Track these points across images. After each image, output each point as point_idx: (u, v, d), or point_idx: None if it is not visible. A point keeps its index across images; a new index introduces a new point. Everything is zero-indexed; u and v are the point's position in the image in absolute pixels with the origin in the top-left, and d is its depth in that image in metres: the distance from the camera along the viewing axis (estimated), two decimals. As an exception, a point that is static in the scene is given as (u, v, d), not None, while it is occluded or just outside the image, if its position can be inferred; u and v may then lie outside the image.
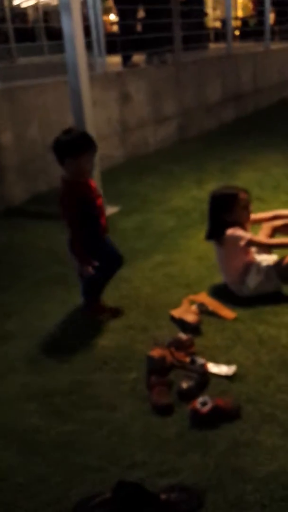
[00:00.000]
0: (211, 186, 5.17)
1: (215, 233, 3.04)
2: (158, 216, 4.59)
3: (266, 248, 3.18)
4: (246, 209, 3.00)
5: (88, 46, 6.01)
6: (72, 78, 4.37)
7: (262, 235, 3.16)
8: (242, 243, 2.93)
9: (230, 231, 2.93)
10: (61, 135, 2.61)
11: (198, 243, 3.86)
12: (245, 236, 2.94)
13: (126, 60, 6.88)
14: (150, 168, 6.08)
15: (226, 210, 2.96)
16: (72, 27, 4.15)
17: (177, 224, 4.37)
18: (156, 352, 2.43)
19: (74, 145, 2.56)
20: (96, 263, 2.72)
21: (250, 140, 7.08)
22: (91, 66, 6.22)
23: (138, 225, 4.39)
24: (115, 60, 7.54)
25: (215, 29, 13.86)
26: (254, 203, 4.50)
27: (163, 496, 1.78)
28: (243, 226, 3.02)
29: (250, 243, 2.97)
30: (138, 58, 7.46)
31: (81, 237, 2.69)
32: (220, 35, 12.16)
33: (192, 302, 2.98)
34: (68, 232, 2.74)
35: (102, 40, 6.17)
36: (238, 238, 2.93)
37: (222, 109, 8.39)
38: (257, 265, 3.01)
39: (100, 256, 2.77)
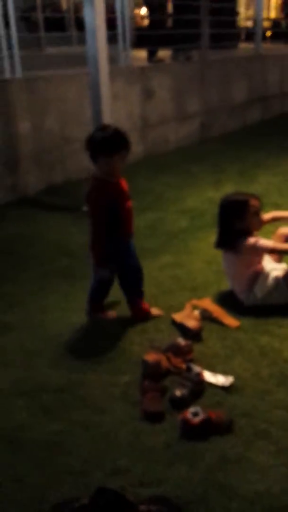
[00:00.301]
0: (229, 188, 5.09)
1: (226, 241, 2.94)
2: (171, 215, 4.51)
3: (277, 256, 3.10)
4: (257, 216, 2.91)
5: (114, 39, 5.97)
6: (93, 70, 4.33)
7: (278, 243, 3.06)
8: (265, 251, 2.87)
9: (252, 240, 2.83)
10: (96, 131, 2.51)
11: (209, 246, 3.76)
12: (268, 244, 2.86)
13: (151, 55, 6.79)
14: (168, 166, 6.00)
15: (236, 218, 2.86)
16: (95, 18, 4.11)
17: (190, 225, 4.28)
18: (151, 357, 2.36)
19: (109, 143, 2.42)
20: (113, 267, 2.63)
21: (273, 144, 6.92)
22: (115, 59, 6.18)
23: (150, 223, 4.32)
24: (143, 54, 7.45)
25: (247, 28, 13.59)
26: (270, 209, 4.44)
27: (142, 507, 1.72)
28: (253, 234, 2.92)
29: (274, 251, 2.91)
30: (164, 54, 7.38)
31: (103, 239, 2.58)
32: (252, 35, 11.95)
33: (195, 307, 2.90)
34: (90, 231, 2.62)
35: (128, 33, 6.08)
36: (260, 247, 2.84)
37: (247, 110, 8.24)
38: (266, 274, 2.91)
39: (120, 264, 2.68)
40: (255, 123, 8.39)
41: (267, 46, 11.42)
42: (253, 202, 2.87)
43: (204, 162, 6.08)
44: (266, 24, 15.70)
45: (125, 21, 6.04)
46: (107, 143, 2.43)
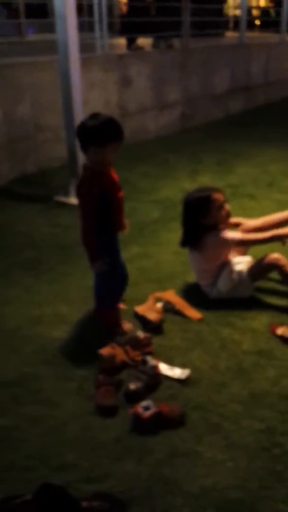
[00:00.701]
0: (205, 178, 5.04)
1: (192, 239, 2.87)
2: (145, 206, 4.44)
3: (242, 249, 3.06)
4: (222, 209, 2.84)
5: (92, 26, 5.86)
6: (62, 58, 4.22)
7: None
8: (234, 244, 2.81)
9: (222, 234, 2.79)
10: (88, 119, 2.34)
11: (178, 237, 3.72)
12: (237, 236, 2.81)
13: (130, 42, 6.68)
14: (147, 155, 5.91)
15: (201, 214, 2.80)
16: (64, 5, 4.00)
17: (162, 215, 4.22)
18: (105, 351, 2.31)
19: (101, 133, 2.25)
20: (107, 259, 2.50)
21: (255, 134, 6.86)
22: (92, 47, 6.07)
23: (123, 214, 4.25)
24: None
25: (236, 17, 13.45)
26: (245, 201, 4.43)
27: (84, 504, 1.67)
28: (223, 226, 2.87)
29: (243, 242, 2.85)
30: (146, 42, 7.27)
31: (95, 231, 2.44)
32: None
33: (158, 300, 2.85)
34: (82, 224, 2.47)
35: (105, 20, 5.96)
36: (231, 240, 2.79)
37: (230, 99, 8.15)
38: (231, 268, 2.87)
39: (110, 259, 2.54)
40: (238, 113, 8.31)
41: (255, 35, 11.32)
42: (216, 196, 2.80)
43: (182, 152, 6.00)
44: (255, 12, 15.57)
45: (101, 8, 5.92)
46: (99, 132, 2.26)
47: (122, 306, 2.80)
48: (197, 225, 2.82)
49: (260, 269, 2.84)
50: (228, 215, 2.91)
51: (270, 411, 2.05)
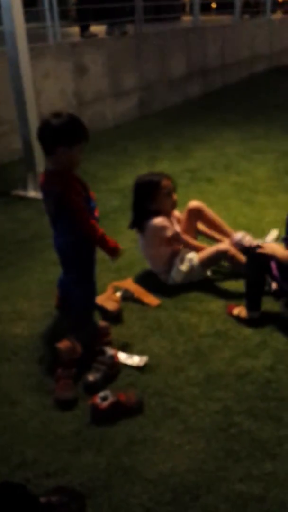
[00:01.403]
0: (164, 164, 5.02)
1: (138, 222, 2.88)
2: (104, 195, 4.39)
3: (193, 234, 3.07)
4: (169, 197, 2.84)
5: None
6: (10, 49, 4.12)
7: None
8: (167, 234, 2.80)
9: (157, 221, 2.78)
10: (51, 118, 2.16)
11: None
12: (170, 229, 2.80)
13: (83, 30, 6.56)
14: (105, 144, 5.85)
15: (148, 198, 2.80)
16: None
17: (121, 204, 4.19)
18: (63, 344, 2.28)
19: (70, 132, 2.12)
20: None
21: (212, 118, 6.88)
22: (43, 36, 5.94)
23: (82, 204, 4.20)
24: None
25: (191, 0, 13.37)
26: (203, 185, 4.44)
27: (42, 499, 1.66)
28: (167, 215, 2.87)
29: (174, 237, 2.83)
30: (100, 29, 7.15)
31: (94, 224, 2.26)
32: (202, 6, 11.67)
33: (116, 289, 2.83)
34: (83, 227, 2.23)
35: (55, 8, 5.84)
36: (162, 229, 2.79)
37: (187, 84, 8.13)
38: (181, 257, 2.88)
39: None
40: (196, 97, 8.31)
41: (212, 18, 11.30)
42: (165, 182, 2.80)
43: (141, 139, 5.97)
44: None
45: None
46: (68, 131, 2.12)
47: None
48: (143, 208, 2.82)
49: (210, 258, 2.85)
50: (174, 204, 2.90)
51: (226, 392, 2.07)
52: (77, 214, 2.20)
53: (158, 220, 2.79)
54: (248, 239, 3.02)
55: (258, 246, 2.42)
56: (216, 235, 3.10)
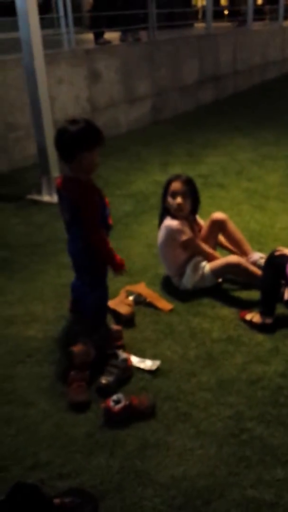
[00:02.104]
0: (176, 170, 5.04)
1: (160, 217, 2.93)
2: (117, 200, 4.43)
3: (212, 244, 3.06)
4: (173, 198, 2.83)
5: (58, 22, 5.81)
6: (26, 56, 4.19)
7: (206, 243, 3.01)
8: (181, 239, 2.80)
9: (173, 224, 2.80)
10: (68, 125, 2.19)
11: (151, 230, 3.74)
12: (184, 233, 2.80)
13: (97, 37, 6.63)
14: (118, 149, 5.90)
15: (164, 195, 2.85)
16: (25, 1, 3.96)
17: (134, 209, 4.23)
18: (77, 347, 2.31)
19: (89, 137, 2.15)
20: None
21: (224, 124, 6.91)
22: (59, 43, 6.02)
23: (95, 209, 4.24)
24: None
25: (204, 7, 13.43)
26: (215, 190, 4.46)
27: (56, 501, 1.69)
28: (174, 216, 2.86)
29: (188, 243, 2.83)
30: (113, 36, 7.22)
31: (106, 240, 2.30)
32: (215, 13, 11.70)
33: (129, 293, 2.86)
34: (92, 237, 2.26)
35: (70, 15, 5.91)
36: (176, 232, 2.79)
37: (199, 90, 8.17)
38: (194, 263, 2.89)
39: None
40: (208, 103, 8.34)
41: (224, 25, 11.33)
42: (174, 184, 2.81)
43: (153, 145, 6.01)
44: (223, 2, 15.59)
45: (66, 3, 5.87)
46: (85, 136, 2.16)
47: None
48: (163, 204, 2.89)
49: (222, 269, 2.85)
50: (180, 208, 2.84)
51: (238, 397, 2.09)
52: (89, 224, 2.23)
53: (174, 224, 2.80)
54: (264, 261, 2.97)
55: (276, 250, 2.44)
56: (234, 250, 3.06)
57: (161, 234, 2.88)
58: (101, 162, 5.61)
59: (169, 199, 2.82)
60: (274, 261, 2.48)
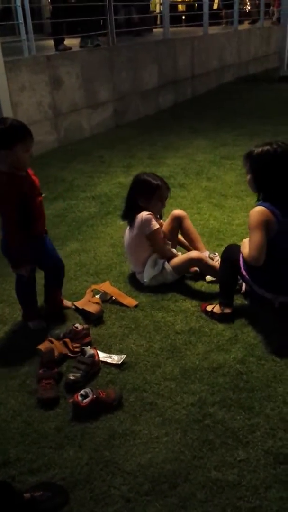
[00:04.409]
0: (138, 172, 5.12)
1: (128, 214, 3.01)
2: (81, 202, 4.49)
3: (174, 243, 3.19)
4: (161, 203, 3.00)
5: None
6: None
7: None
8: (152, 228, 2.90)
9: (145, 214, 2.89)
10: None
11: (115, 230, 3.82)
12: (154, 225, 2.90)
13: (58, 43, 6.67)
14: (82, 154, 5.96)
15: (143, 195, 2.93)
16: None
17: (99, 211, 4.29)
18: (43, 345, 2.35)
19: (8, 135, 2.31)
20: (32, 266, 2.55)
21: (183, 126, 7.06)
22: (19, 50, 6.03)
23: (60, 212, 4.29)
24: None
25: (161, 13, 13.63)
26: (176, 190, 4.56)
27: (26, 495, 1.72)
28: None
29: (153, 234, 2.92)
30: (74, 42, 7.29)
31: (17, 238, 2.45)
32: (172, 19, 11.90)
33: (95, 292, 2.92)
34: (2, 230, 2.48)
35: (29, 22, 5.94)
36: (148, 221, 2.88)
37: (160, 94, 8.31)
38: (153, 258, 2.98)
39: (40, 262, 2.61)
40: (168, 107, 8.49)
41: (182, 30, 11.53)
42: (163, 190, 2.95)
43: (116, 148, 6.09)
44: (181, 7, 15.85)
45: (25, 10, 5.90)
46: (6, 135, 2.32)
47: (68, 303, 2.87)
48: (135, 202, 2.96)
49: (184, 265, 2.96)
50: (161, 211, 3.09)
51: (201, 385, 2.17)
52: (4, 217, 2.42)
53: (146, 213, 2.90)
54: (216, 259, 3.08)
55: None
56: (190, 248, 3.19)
57: (135, 226, 2.94)
58: (65, 166, 5.64)
59: (156, 202, 2.94)
60: (228, 256, 2.59)
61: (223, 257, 2.64)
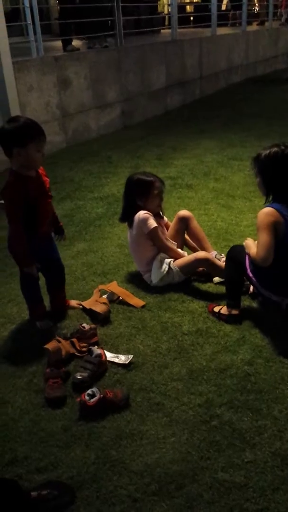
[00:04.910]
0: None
1: (127, 216, 3.02)
2: (89, 203, 4.50)
3: (179, 243, 3.17)
4: (158, 197, 3.00)
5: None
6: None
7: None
8: (149, 226, 2.90)
9: (142, 212, 2.91)
10: (6, 123, 2.37)
11: (122, 231, 3.82)
12: (152, 223, 2.90)
13: (66, 44, 6.69)
14: (90, 154, 5.97)
15: (139, 195, 2.95)
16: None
17: (106, 211, 4.30)
18: (51, 345, 2.36)
19: (21, 133, 2.31)
20: (38, 265, 2.56)
21: (191, 127, 7.06)
22: (28, 51, 6.06)
23: (68, 212, 4.30)
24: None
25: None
26: (183, 191, 4.57)
27: (33, 494, 1.73)
28: (153, 214, 3.00)
29: (152, 232, 2.92)
30: (82, 43, 7.31)
31: (23, 237, 2.44)
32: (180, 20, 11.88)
33: (102, 292, 2.92)
34: (9, 229, 2.47)
35: (38, 23, 5.96)
36: (145, 220, 2.90)
37: (167, 95, 8.31)
38: (159, 259, 2.98)
39: (44, 260, 2.62)
40: (176, 108, 8.49)
41: (191, 31, 11.53)
42: (157, 184, 2.96)
43: (124, 149, 6.10)
44: (189, 8, 15.87)
45: (34, 11, 5.92)
46: (19, 133, 2.32)
47: (75, 303, 2.87)
48: (133, 203, 2.97)
49: (191, 265, 2.96)
50: (161, 206, 3.08)
51: (208, 386, 2.17)
52: (6, 216, 2.42)
53: (143, 213, 2.92)
54: (223, 259, 3.04)
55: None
56: (197, 248, 3.17)
57: (134, 226, 2.96)
58: (73, 166, 5.64)
59: (153, 198, 2.96)
60: (233, 257, 2.59)
61: (228, 257, 2.64)
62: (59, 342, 2.41)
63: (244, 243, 2.54)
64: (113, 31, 7.19)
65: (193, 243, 3.20)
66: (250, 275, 2.50)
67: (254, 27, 13.12)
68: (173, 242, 3.09)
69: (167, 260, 2.97)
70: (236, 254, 2.57)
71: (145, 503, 1.70)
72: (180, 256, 3.01)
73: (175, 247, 3.07)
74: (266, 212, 2.35)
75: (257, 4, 14.54)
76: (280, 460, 1.82)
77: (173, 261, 2.97)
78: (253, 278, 2.50)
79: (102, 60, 6.78)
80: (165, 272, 2.95)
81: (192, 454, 1.87)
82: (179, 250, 3.09)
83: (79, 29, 7.62)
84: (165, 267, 2.95)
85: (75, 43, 7.04)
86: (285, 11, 12.94)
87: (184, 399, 2.11)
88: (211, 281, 3.01)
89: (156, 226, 2.92)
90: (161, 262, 2.97)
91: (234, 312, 2.58)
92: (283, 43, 12.92)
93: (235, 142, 6.16)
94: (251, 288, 2.75)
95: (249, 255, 2.47)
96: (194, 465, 1.83)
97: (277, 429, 1.94)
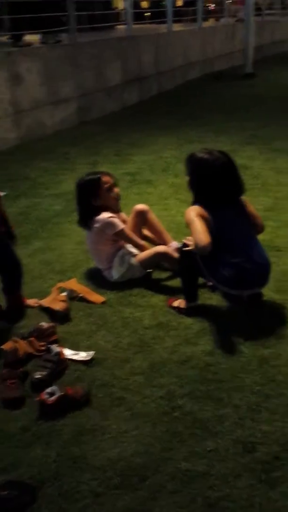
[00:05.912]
0: (104, 169, 5.06)
1: (86, 219, 2.97)
2: (46, 200, 4.43)
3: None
4: (111, 191, 2.96)
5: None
6: None
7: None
8: (116, 229, 2.88)
9: (106, 216, 2.87)
10: None
11: (81, 228, 3.77)
12: (118, 225, 2.89)
13: (17, 39, 6.55)
14: (46, 151, 5.88)
15: (91, 196, 2.91)
16: None
17: (64, 208, 4.23)
18: (7, 345, 2.31)
19: None
20: None
21: (149, 123, 7.07)
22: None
23: (23, 210, 4.21)
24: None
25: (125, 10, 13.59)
26: (142, 186, 4.56)
27: (-8, 495, 1.69)
28: (114, 210, 2.97)
29: (120, 233, 2.92)
30: (34, 38, 7.18)
31: None
32: (136, 16, 11.84)
33: (62, 290, 2.88)
34: None
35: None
36: (110, 224, 2.87)
37: (124, 91, 8.29)
38: (120, 255, 2.97)
39: None
40: (133, 104, 8.49)
41: (146, 27, 11.54)
42: (105, 178, 2.92)
43: (81, 145, 6.04)
44: (144, 4, 15.86)
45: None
46: None
47: (33, 302, 2.81)
48: (89, 206, 2.93)
49: (150, 259, 2.96)
50: (118, 197, 3.03)
51: (169, 378, 2.17)
52: None
53: (107, 215, 2.88)
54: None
55: (185, 245, 2.57)
56: (157, 241, 3.18)
57: (95, 228, 2.91)
58: (28, 164, 5.58)
59: (106, 194, 2.91)
60: (185, 254, 2.60)
61: (180, 255, 2.65)
62: (16, 342, 2.36)
63: (184, 242, 2.58)
64: (67, 26, 7.09)
65: (151, 236, 3.19)
66: (205, 273, 2.53)
67: (210, 23, 13.29)
68: None
69: (128, 257, 2.96)
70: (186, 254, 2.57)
71: (107, 497, 1.68)
72: (146, 249, 3.00)
73: (141, 241, 3.05)
74: (191, 208, 2.53)
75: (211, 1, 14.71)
76: (242, 447, 1.84)
77: (134, 257, 2.96)
78: (211, 277, 2.54)
79: (56, 56, 6.68)
80: (126, 268, 2.93)
81: (154, 446, 1.87)
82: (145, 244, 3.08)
83: (31, 23, 7.47)
84: (126, 263, 2.93)
85: (31, 38, 6.90)
86: (241, 8, 13.16)
87: (146, 392, 2.10)
88: (171, 275, 3.01)
89: (123, 228, 2.91)
90: (122, 259, 2.95)
91: (193, 304, 2.60)
92: (239, 39, 13.12)
93: (193, 137, 6.20)
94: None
95: (195, 251, 2.46)
96: (157, 456, 1.83)
97: (238, 417, 1.96)
